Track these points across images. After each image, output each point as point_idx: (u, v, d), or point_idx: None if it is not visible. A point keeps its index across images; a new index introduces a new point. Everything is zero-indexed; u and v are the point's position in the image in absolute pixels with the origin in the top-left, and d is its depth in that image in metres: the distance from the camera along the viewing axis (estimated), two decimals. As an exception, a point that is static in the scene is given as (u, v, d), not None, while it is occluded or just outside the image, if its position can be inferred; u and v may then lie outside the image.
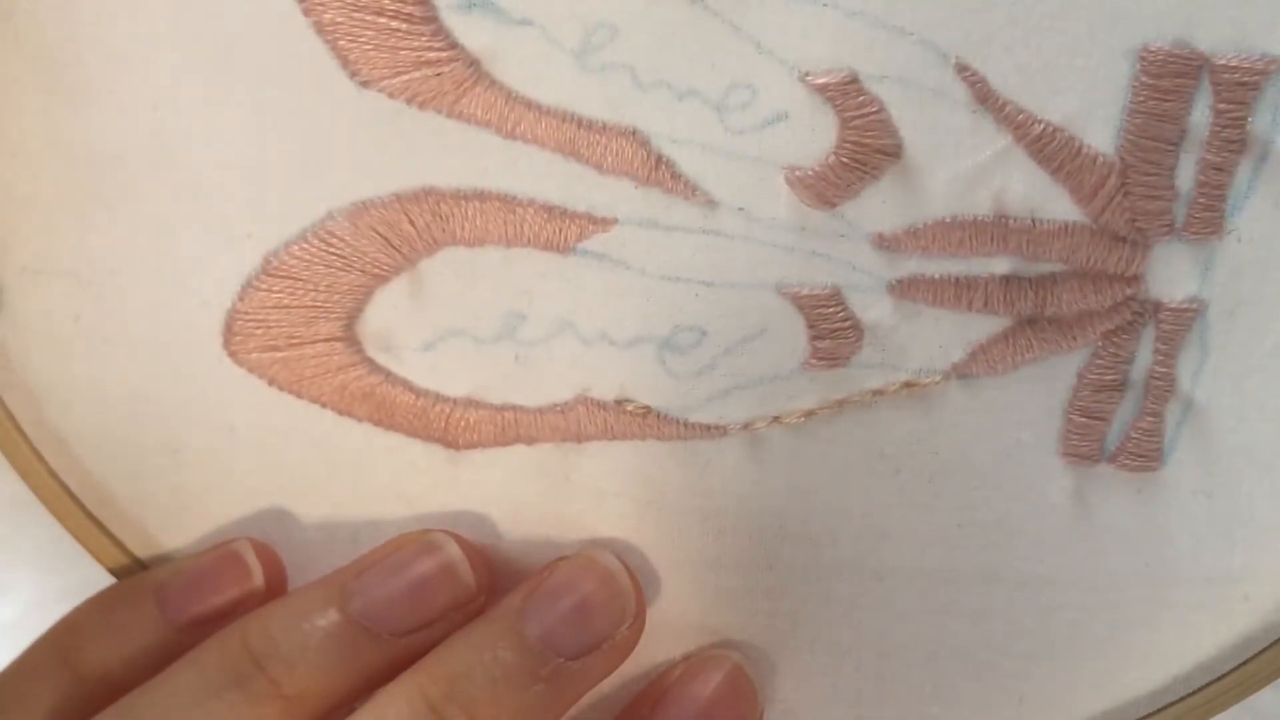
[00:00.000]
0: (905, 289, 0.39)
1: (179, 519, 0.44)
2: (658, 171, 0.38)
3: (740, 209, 0.38)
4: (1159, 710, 0.42)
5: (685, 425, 0.40)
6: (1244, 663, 0.41)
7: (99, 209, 0.41)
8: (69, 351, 0.42)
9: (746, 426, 0.40)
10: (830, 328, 0.39)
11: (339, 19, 0.38)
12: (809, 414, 0.40)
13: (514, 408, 0.41)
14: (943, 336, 0.39)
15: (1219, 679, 0.41)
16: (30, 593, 0.50)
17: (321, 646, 0.40)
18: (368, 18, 0.38)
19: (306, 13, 0.38)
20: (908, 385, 0.39)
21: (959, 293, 0.38)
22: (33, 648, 0.42)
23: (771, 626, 0.42)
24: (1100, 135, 0.37)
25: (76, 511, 0.43)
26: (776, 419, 0.40)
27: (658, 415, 0.40)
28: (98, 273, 0.41)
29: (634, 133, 0.38)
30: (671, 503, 0.41)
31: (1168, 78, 0.36)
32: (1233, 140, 0.36)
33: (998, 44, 0.36)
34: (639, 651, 0.42)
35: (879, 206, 0.38)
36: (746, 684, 0.43)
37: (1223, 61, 0.36)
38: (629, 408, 0.40)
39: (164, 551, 0.44)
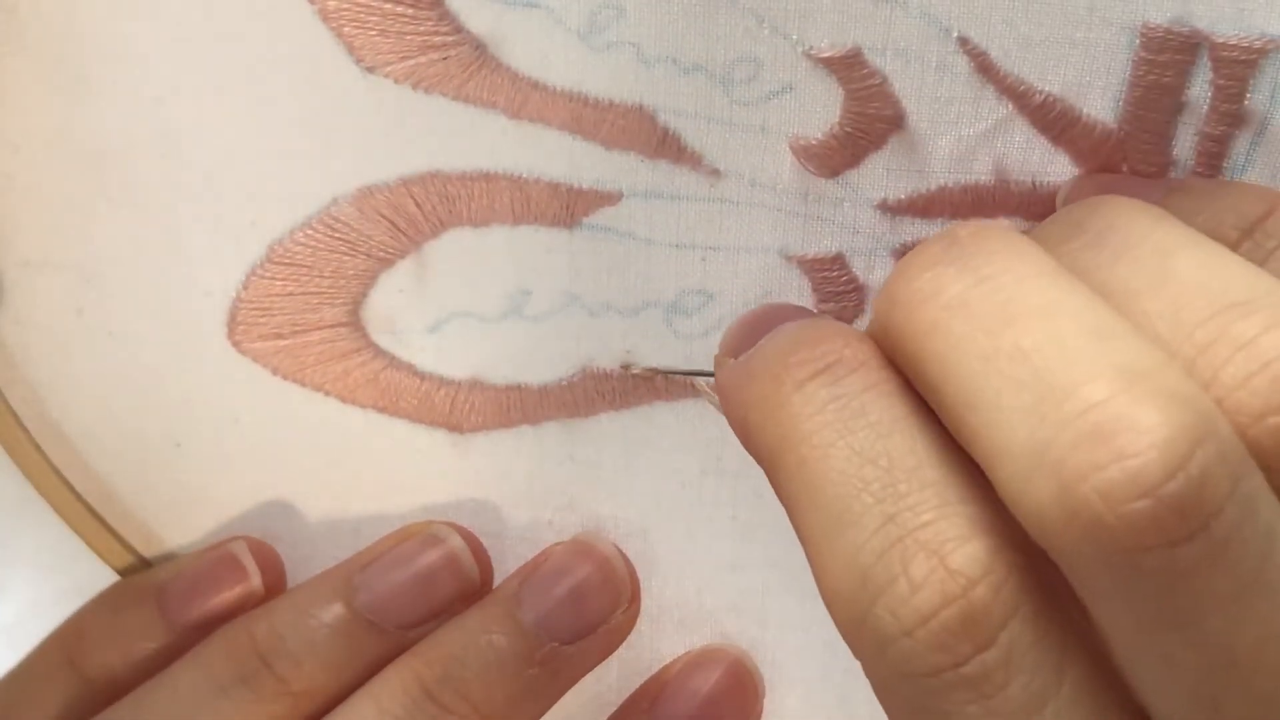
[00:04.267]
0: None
1: (182, 514, 0.44)
2: (664, 145, 0.38)
3: (746, 177, 0.38)
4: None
5: (691, 384, 0.41)
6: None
7: (102, 201, 0.41)
8: (71, 345, 0.42)
9: None
10: (834, 290, 0.39)
11: (344, 6, 0.38)
12: None
13: (519, 387, 0.41)
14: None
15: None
16: (30, 593, 0.50)
17: (328, 642, 0.40)
18: (373, 4, 0.38)
19: (311, 0, 0.38)
20: None
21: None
22: (38, 651, 0.42)
23: (773, 611, 0.42)
24: (1100, 106, 0.37)
25: (79, 508, 0.43)
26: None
27: (664, 377, 0.41)
28: (101, 266, 0.41)
29: (640, 108, 0.38)
30: (676, 477, 0.41)
31: (1167, 53, 0.36)
32: (1230, 115, 0.37)
33: (999, 18, 0.36)
34: (640, 641, 0.42)
35: (882, 174, 0.38)
36: (748, 677, 0.43)
37: (1221, 39, 0.36)
38: (634, 371, 0.40)
39: (167, 547, 0.44)
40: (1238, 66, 0.36)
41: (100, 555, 0.44)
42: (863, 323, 0.39)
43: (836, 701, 0.43)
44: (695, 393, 0.41)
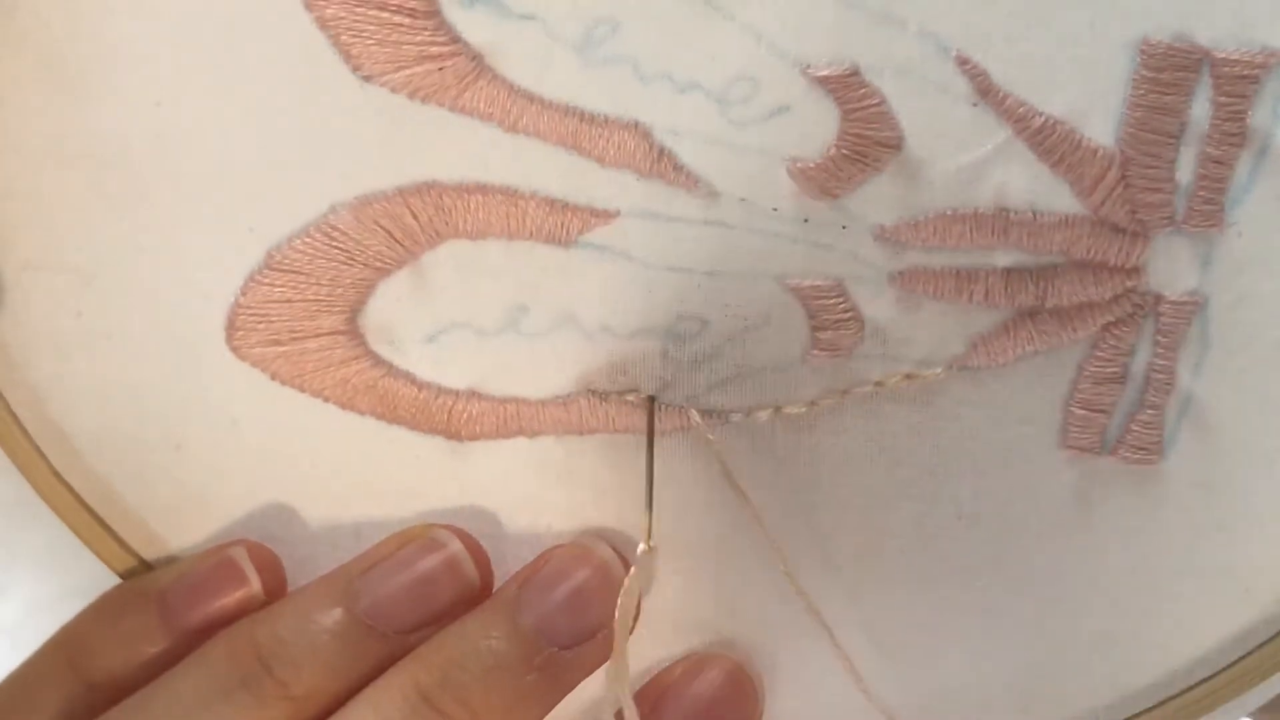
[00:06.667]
0: (907, 280, 0.39)
1: (181, 516, 0.44)
2: (660, 164, 0.38)
3: (742, 200, 0.38)
4: (1159, 704, 0.42)
5: (687, 414, 0.41)
6: (1244, 656, 0.41)
7: (101, 205, 0.41)
8: (71, 348, 0.42)
9: (748, 415, 0.40)
10: (832, 319, 0.39)
11: (341, 14, 0.38)
12: (811, 405, 0.40)
13: (516, 400, 0.41)
14: (944, 328, 0.39)
15: (1219, 673, 0.41)
16: (31, 593, 0.50)
17: (329, 646, 0.40)
18: (370, 13, 0.38)
19: (309, 8, 0.38)
20: (909, 377, 0.39)
21: (960, 285, 0.38)
22: (39, 654, 0.42)
23: (771, 620, 0.42)
24: (1101, 128, 0.37)
25: (79, 510, 0.43)
26: (778, 409, 0.40)
27: (660, 405, 0.41)
28: (100, 269, 0.41)
29: (636, 125, 0.38)
30: (673, 494, 0.41)
31: (1168, 71, 0.36)
32: (1233, 134, 0.36)
33: (998, 37, 0.36)
34: (638, 646, 0.42)
35: (881, 199, 0.38)
36: (748, 684, 0.43)
37: (1223, 55, 0.36)
38: (630, 398, 0.41)
39: (167, 549, 0.44)
40: (1239, 83, 0.36)
41: (100, 557, 0.44)
42: (863, 350, 0.40)
43: (835, 706, 0.43)
44: (689, 425, 0.41)
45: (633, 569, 0.39)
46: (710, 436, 0.40)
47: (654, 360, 0.40)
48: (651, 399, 0.40)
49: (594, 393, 0.41)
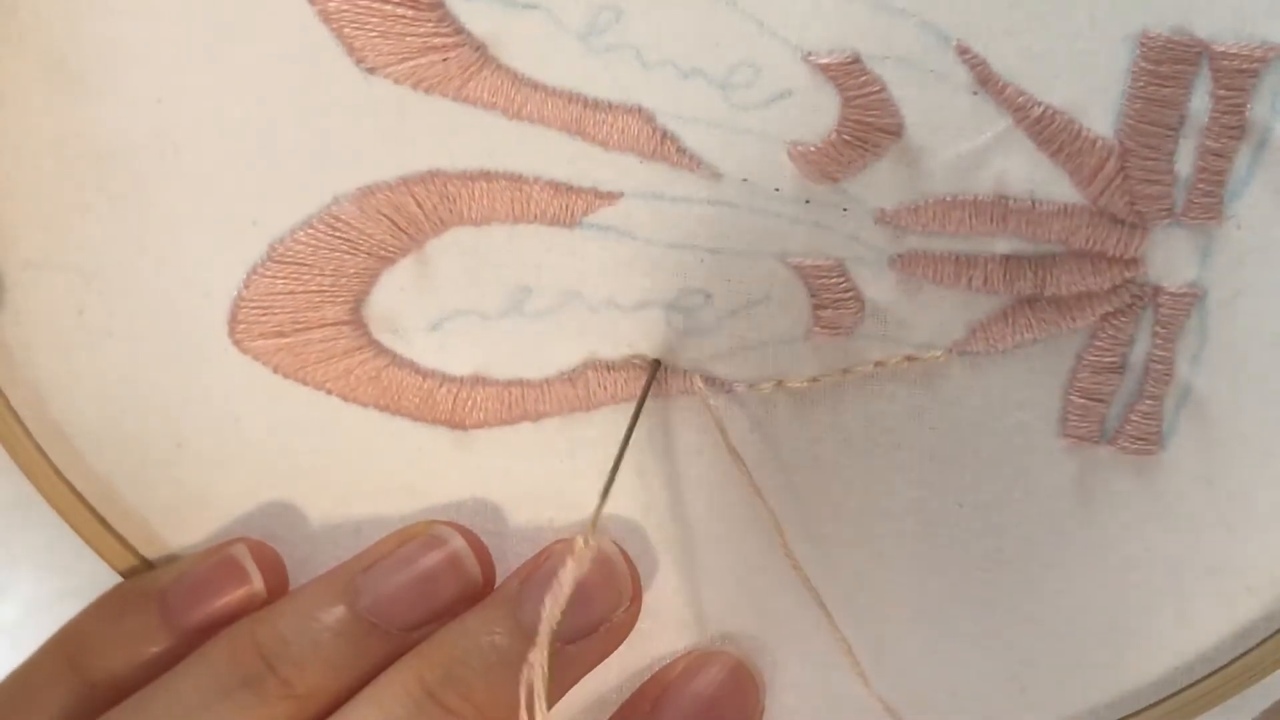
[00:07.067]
0: (906, 264, 0.39)
1: (182, 514, 0.44)
2: (663, 146, 0.38)
3: (745, 181, 0.39)
4: (1160, 701, 0.42)
5: (691, 379, 0.41)
6: (1245, 653, 0.41)
7: (103, 202, 0.41)
8: (72, 346, 0.42)
9: (751, 386, 0.40)
10: (832, 298, 0.39)
11: (344, 6, 0.38)
12: (813, 381, 0.40)
13: (521, 382, 0.41)
14: (944, 312, 0.39)
15: (1220, 669, 0.41)
16: (31, 593, 0.50)
17: (332, 645, 0.40)
18: (373, 5, 0.38)
19: (311, 1, 0.38)
20: (909, 359, 0.39)
21: (959, 270, 0.39)
22: (40, 653, 0.42)
23: (772, 610, 0.42)
24: (1100, 119, 0.37)
25: (80, 508, 0.43)
26: (781, 382, 0.40)
27: (666, 368, 0.41)
28: (101, 266, 0.41)
29: (639, 111, 0.38)
30: (673, 477, 0.42)
31: (1167, 64, 0.36)
32: (1232, 126, 0.37)
33: (999, 27, 0.36)
34: (640, 641, 0.42)
35: (881, 184, 0.38)
36: (749, 680, 0.43)
37: (1222, 48, 0.36)
38: (637, 361, 0.41)
39: (168, 548, 0.44)
40: (1238, 76, 0.36)
41: (101, 555, 0.44)
42: (863, 330, 0.40)
43: (835, 702, 0.43)
44: (693, 389, 0.41)
45: (569, 561, 0.38)
46: (711, 402, 0.40)
47: (659, 329, 0.40)
48: (657, 362, 0.41)
49: (600, 363, 0.41)
